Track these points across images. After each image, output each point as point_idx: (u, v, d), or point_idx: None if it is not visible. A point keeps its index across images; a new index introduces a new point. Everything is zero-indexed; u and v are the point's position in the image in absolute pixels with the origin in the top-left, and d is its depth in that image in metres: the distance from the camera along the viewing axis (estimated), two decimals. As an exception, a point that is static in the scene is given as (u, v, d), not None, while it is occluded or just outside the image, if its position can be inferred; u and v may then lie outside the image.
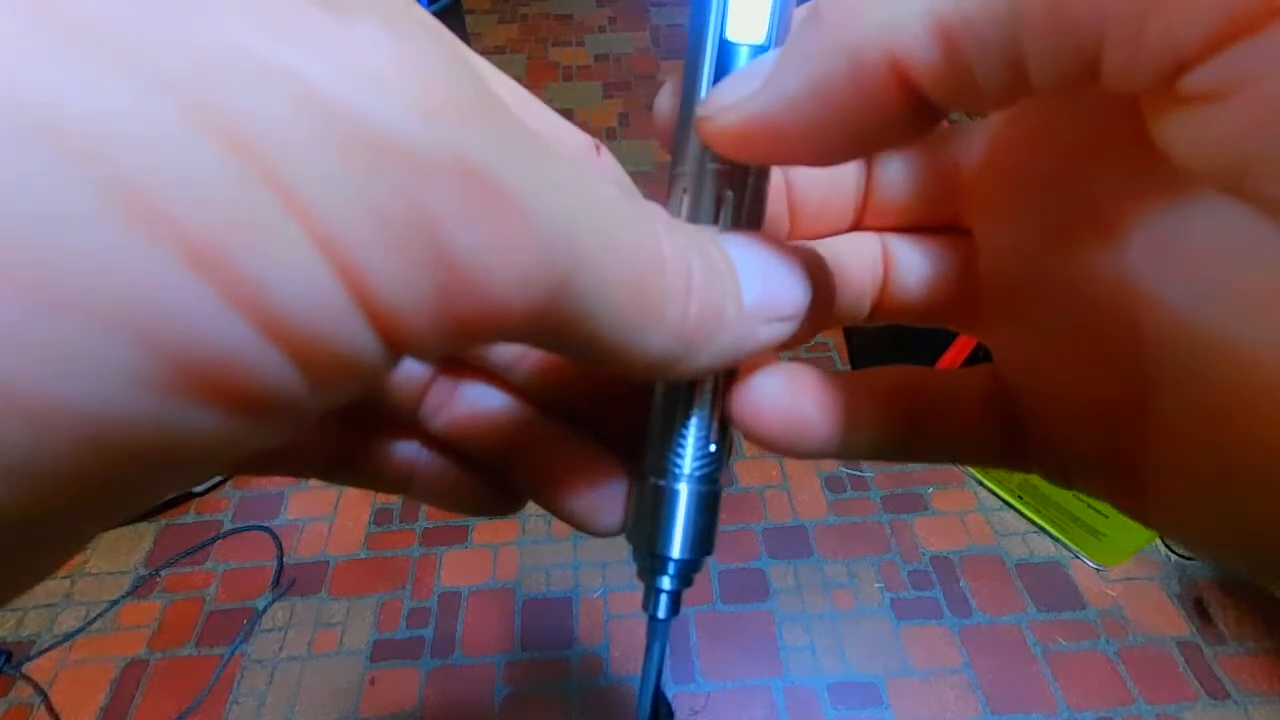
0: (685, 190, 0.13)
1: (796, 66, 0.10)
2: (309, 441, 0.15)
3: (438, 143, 0.07)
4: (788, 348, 0.13)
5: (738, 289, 0.11)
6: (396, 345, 0.08)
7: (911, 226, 0.15)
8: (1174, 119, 0.08)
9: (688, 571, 0.14)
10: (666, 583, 0.14)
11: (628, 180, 0.15)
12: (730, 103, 0.11)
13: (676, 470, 0.14)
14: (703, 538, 0.14)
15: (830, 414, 0.13)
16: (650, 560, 0.14)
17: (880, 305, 0.15)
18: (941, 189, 0.14)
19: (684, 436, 0.14)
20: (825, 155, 0.11)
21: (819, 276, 0.13)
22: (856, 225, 0.15)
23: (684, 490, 0.14)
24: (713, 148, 0.12)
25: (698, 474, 0.14)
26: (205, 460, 0.08)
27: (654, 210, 0.11)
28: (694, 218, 0.13)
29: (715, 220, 0.13)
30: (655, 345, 0.10)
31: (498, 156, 0.08)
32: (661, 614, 0.14)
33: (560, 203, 0.09)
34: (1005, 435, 0.14)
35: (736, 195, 0.13)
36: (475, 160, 0.07)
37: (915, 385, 0.14)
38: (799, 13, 0.12)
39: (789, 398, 0.13)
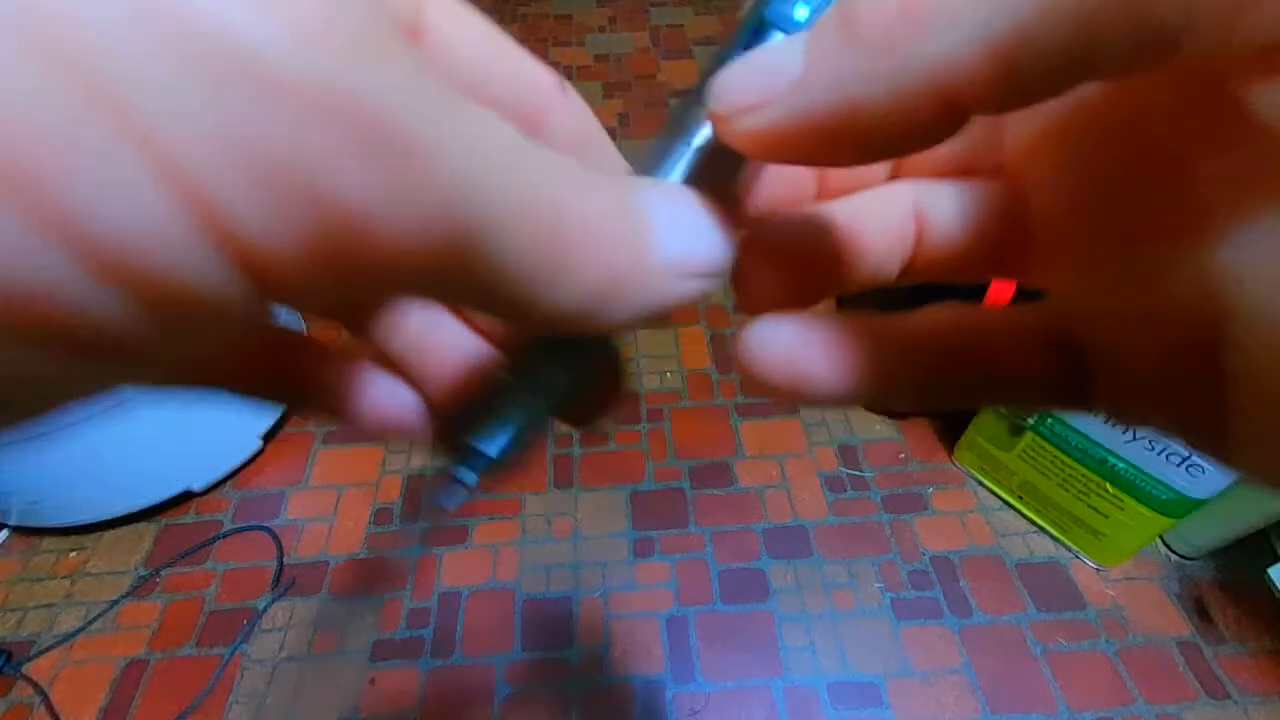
0: (660, 137, 0.13)
1: (828, 82, 0.09)
2: (233, 357, 0.14)
3: (316, 71, 0.07)
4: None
5: (653, 242, 0.11)
6: (267, 289, 0.07)
7: (952, 174, 0.14)
8: (1270, 88, 0.08)
9: (491, 471, 0.14)
10: (469, 476, 0.14)
11: (596, 125, 0.14)
12: (750, 103, 0.10)
13: (523, 384, 0.14)
14: (519, 448, 0.14)
15: (859, 358, 0.13)
16: (464, 452, 0.14)
17: (915, 261, 0.14)
18: (985, 137, 0.13)
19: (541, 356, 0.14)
20: (850, 162, 0.11)
21: (804, 239, 0.13)
22: (893, 178, 0.14)
23: (524, 400, 0.14)
24: (728, 144, 0.11)
25: (541, 386, 0.14)
26: (50, 393, 0.07)
27: (566, 162, 0.10)
28: (646, 169, 0.13)
29: (668, 175, 0.13)
30: (565, 300, 0.10)
31: (392, 95, 0.07)
32: (448, 503, 0.14)
33: (463, 148, 0.08)
34: (1068, 374, 0.13)
35: (704, 165, 0.12)
36: (364, 96, 0.07)
37: (965, 323, 0.13)
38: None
39: (799, 340, 0.13)
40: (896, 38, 0.08)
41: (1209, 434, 0.12)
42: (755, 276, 0.14)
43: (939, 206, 0.14)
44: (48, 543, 0.84)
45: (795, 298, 0.14)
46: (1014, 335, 0.13)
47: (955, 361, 0.13)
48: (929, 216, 0.14)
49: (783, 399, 0.13)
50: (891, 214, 0.14)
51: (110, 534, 0.84)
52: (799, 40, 0.10)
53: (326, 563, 0.82)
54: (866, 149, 0.10)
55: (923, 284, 0.15)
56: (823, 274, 0.13)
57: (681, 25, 1.87)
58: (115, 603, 0.78)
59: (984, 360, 0.13)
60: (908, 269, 0.14)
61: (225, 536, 0.84)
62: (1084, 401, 0.13)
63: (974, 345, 0.13)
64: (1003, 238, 0.14)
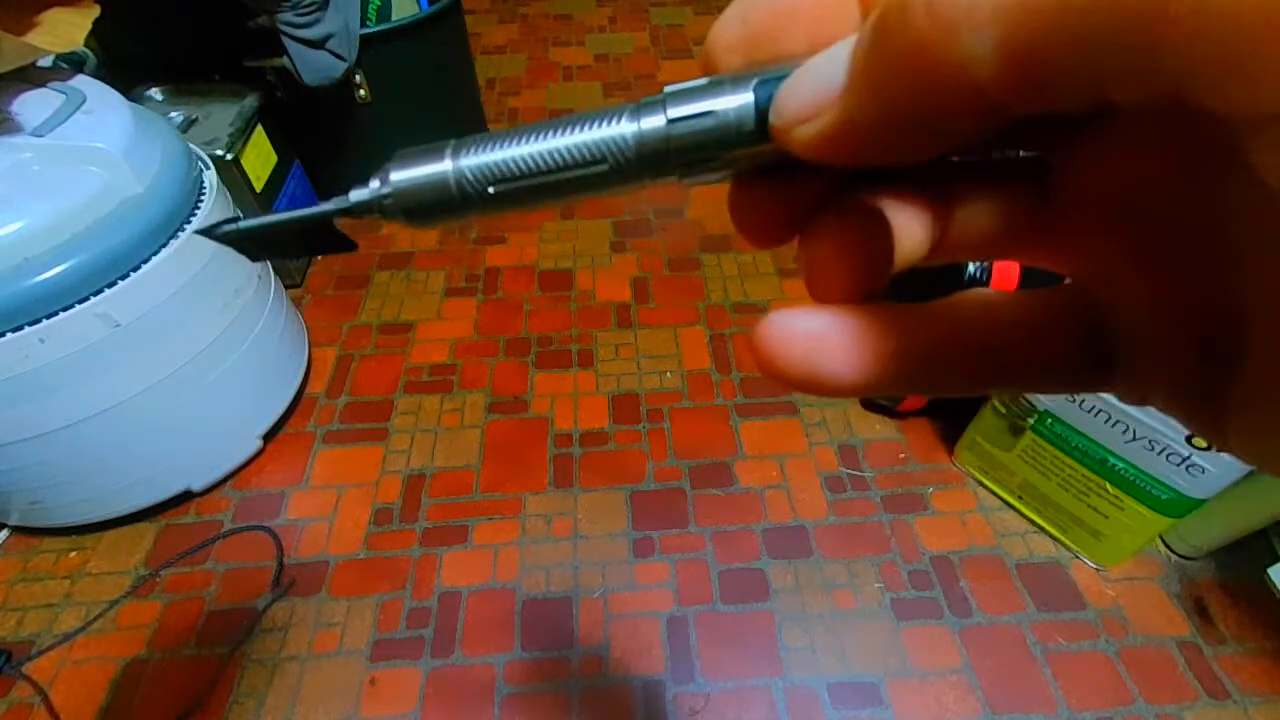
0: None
1: (869, 87, 0.10)
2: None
3: None
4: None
5: None
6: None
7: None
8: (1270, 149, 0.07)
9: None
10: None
11: None
12: (806, 113, 0.10)
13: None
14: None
15: (881, 351, 0.12)
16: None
17: (942, 243, 0.14)
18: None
19: None
20: (899, 161, 0.11)
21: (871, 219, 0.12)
22: None
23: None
24: (790, 150, 0.11)
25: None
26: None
27: None
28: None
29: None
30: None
31: None
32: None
33: None
34: (1091, 358, 0.13)
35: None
36: None
37: (991, 310, 0.13)
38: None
39: (819, 331, 0.12)
40: (925, 42, 0.09)
41: (1206, 413, 0.12)
42: (829, 260, 0.13)
43: (965, 188, 0.14)
44: (48, 543, 0.84)
45: (861, 280, 0.13)
46: (1041, 319, 0.13)
47: (981, 349, 0.13)
48: (959, 196, 0.14)
49: (797, 390, 0.13)
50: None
51: (110, 534, 0.84)
52: (844, 48, 0.10)
53: (326, 563, 0.82)
54: (912, 148, 0.10)
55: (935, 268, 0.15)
56: (884, 255, 0.13)
57: (681, 25, 1.87)
58: (115, 603, 0.78)
59: (1011, 347, 0.13)
60: (935, 249, 0.14)
61: (225, 536, 0.84)
62: (1104, 385, 0.13)
63: (1001, 331, 0.13)
64: (1030, 218, 0.13)
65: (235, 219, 0.15)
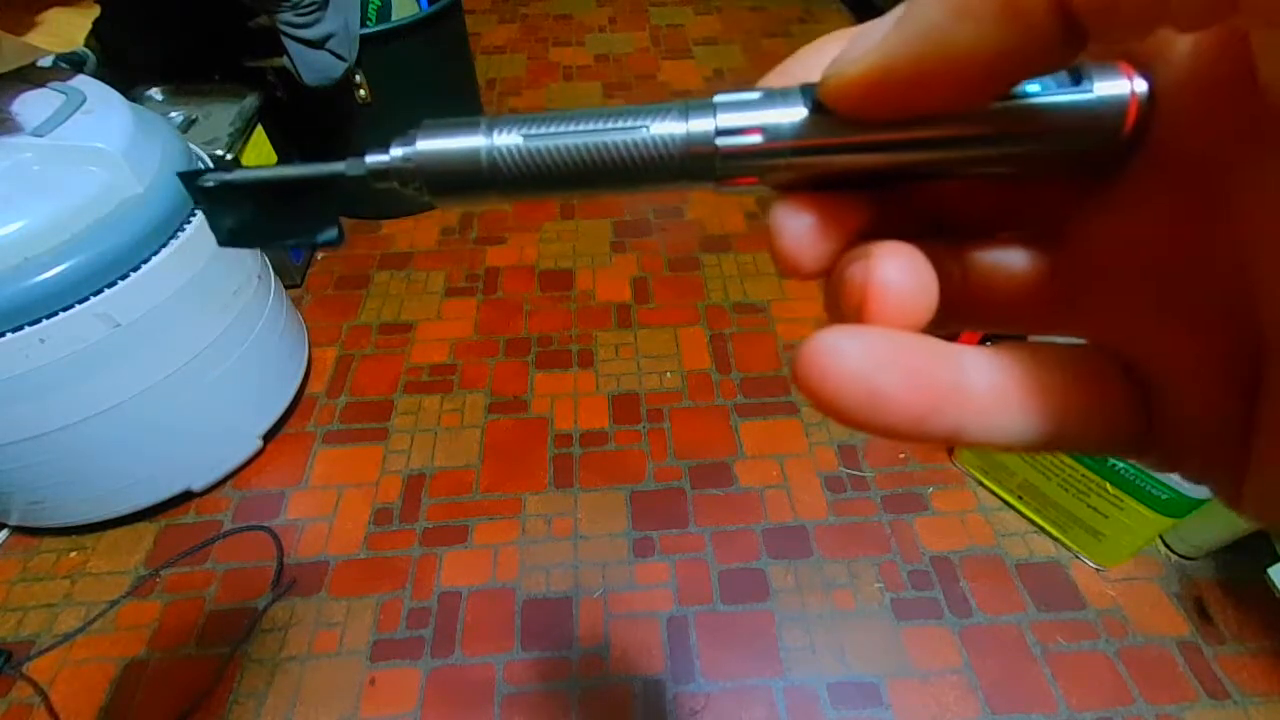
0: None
1: (928, 12, 0.09)
2: None
3: None
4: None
5: None
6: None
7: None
8: None
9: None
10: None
11: None
12: (862, 50, 0.10)
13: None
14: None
15: (943, 390, 0.11)
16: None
17: (958, 303, 0.13)
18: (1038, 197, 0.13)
19: None
20: (969, 89, 0.10)
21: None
22: None
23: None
24: (836, 106, 0.11)
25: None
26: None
27: None
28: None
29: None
30: None
31: None
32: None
33: None
34: (1136, 416, 0.12)
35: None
36: None
37: (1043, 363, 0.12)
38: None
39: (878, 355, 0.11)
40: None
41: (1224, 474, 0.11)
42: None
43: (980, 256, 0.13)
44: (48, 543, 0.84)
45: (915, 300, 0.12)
46: (1092, 372, 0.12)
47: (1044, 404, 0.12)
48: (973, 264, 0.13)
49: (852, 426, 0.11)
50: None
51: (110, 534, 0.84)
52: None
53: (327, 563, 0.82)
54: (985, 64, 0.10)
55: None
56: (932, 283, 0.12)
57: (681, 25, 1.87)
58: (115, 603, 0.78)
59: (1075, 403, 0.12)
60: (950, 308, 0.13)
61: (225, 536, 0.84)
62: (1140, 447, 0.12)
63: (1062, 387, 0.12)
64: (1046, 287, 0.13)
65: (225, 168, 0.14)
